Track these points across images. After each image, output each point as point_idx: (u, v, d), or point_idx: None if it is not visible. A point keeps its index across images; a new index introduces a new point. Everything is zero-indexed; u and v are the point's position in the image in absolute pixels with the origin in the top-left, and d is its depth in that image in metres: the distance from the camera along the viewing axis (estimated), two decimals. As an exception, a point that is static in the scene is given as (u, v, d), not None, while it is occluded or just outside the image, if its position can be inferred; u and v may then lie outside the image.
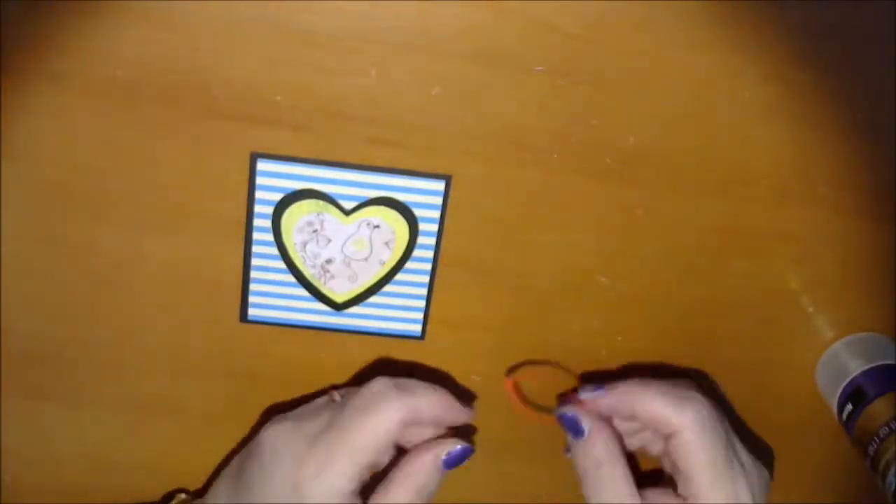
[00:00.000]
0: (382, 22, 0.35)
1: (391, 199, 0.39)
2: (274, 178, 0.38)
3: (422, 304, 0.41)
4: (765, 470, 0.38)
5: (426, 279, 0.41)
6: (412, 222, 0.39)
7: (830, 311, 0.44)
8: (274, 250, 0.39)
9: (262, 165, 0.38)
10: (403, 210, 0.39)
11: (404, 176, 0.38)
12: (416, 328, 0.42)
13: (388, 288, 0.41)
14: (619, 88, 0.37)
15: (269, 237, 0.39)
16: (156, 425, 0.43)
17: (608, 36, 0.36)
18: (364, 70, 0.36)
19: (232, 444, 0.43)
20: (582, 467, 0.37)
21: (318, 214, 0.39)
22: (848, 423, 0.40)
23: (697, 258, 0.41)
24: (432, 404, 0.37)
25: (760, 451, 0.42)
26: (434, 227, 0.40)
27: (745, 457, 0.37)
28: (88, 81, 0.36)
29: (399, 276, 0.40)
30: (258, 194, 0.38)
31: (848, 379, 0.41)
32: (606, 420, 0.38)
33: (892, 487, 0.36)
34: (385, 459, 0.37)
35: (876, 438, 0.38)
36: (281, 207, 0.38)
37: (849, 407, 0.40)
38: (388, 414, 0.35)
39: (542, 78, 0.37)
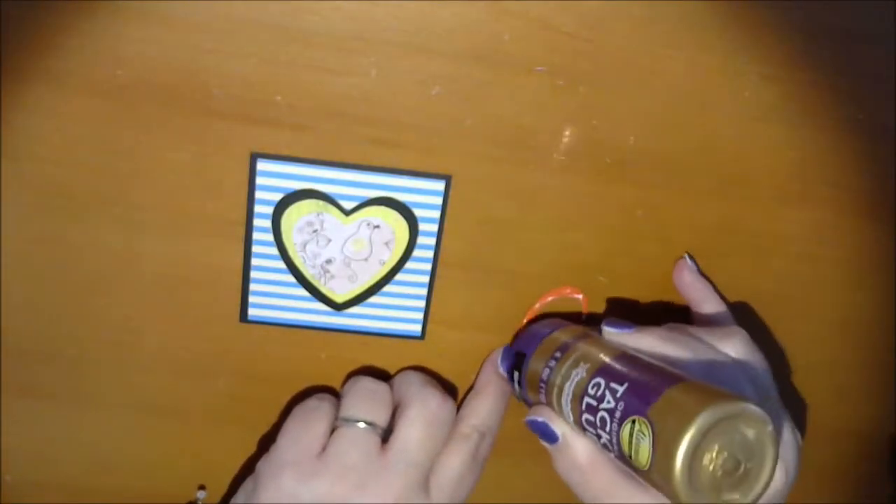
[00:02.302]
0: (382, 22, 0.35)
1: (391, 199, 0.39)
2: (274, 178, 0.38)
3: (422, 304, 0.41)
4: (798, 433, 0.36)
5: (426, 279, 0.41)
6: (412, 222, 0.39)
7: (829, 311, 0.44)
8: (274, 250, 0.39)
9: (262, 165, 0.38)
10: (403, 210, 0.39)
11: (404, 176, 0.38)
12: (416, 328, 0.42)
13: (388, 288, 0.41)
14: (619, 88, 0.37)
15: (269, 237, 0.39)
16: (156, 425, 0.43)
17: (608, 36, 0.36)
18: (364, 70, 0.36)
19: (231, 445, 0.43)
20: (564, 475, 0.36)
21: (318, 214, 0.39)
22: (521, 390, 0.39)
23: (697, 258, 0.41)
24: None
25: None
26: (434, 227, 0.40)
27: (786, 415, 0.35)
28: (88, 81, 0.36)
29: (399, 276, 0.40)
30: (258, 194, 0.38)
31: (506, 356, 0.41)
32: None
33: (570, 417, 0.35)
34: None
35: (542, 383, 0.37)
36: (281, 207, 0.38)
37: (517, 375, 0.39)
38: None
39: (542, 78, 0.37)
